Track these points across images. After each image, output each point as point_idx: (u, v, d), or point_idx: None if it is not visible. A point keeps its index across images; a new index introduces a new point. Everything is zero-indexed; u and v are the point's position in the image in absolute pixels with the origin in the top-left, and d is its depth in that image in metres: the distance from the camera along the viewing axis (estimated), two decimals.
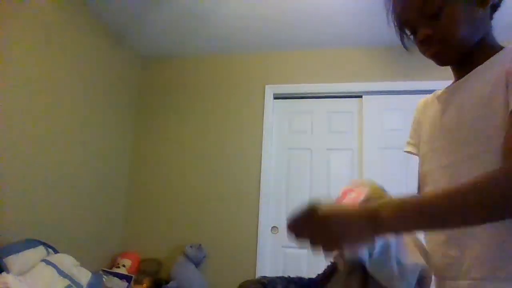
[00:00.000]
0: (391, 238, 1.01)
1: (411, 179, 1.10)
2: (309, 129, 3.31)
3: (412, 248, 1.05)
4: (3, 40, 2.18)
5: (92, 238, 2.94)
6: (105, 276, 2.73)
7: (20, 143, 2.29)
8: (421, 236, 1.02)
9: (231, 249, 3.11)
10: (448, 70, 0.94)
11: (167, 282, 2.89)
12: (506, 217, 0.64)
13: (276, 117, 3.38)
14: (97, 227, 3.00)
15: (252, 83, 3.41)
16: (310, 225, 0.71)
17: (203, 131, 3.41)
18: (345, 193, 0.99)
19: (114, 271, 2.89)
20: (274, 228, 3.15)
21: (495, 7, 0.85)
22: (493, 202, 0.62)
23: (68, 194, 2.68)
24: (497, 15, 0.87)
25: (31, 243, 2.14)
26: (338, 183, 2.92)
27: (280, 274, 2.54)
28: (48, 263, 2.07)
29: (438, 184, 0.85)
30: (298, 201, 0.98)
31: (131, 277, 2.85)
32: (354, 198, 0.94)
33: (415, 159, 1.00)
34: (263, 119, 3.30)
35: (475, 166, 0.77)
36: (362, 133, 3.17)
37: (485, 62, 0.82)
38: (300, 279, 2.05)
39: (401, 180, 2.54)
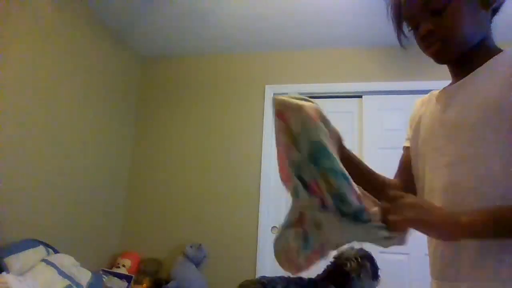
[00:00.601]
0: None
1: None
2: None
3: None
4: (3, 40, 2.18)
5: (92, 238, 2.94)
6: (105, 276, 2.73)
7: (20, 143, 2.29)
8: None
9: (231, 249, 3.11)
10: (448, 70, 0.94)
11: (167, 282, 2.89)
12: None
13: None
14: (97, 227, 3.00)
15: (252, 83, 3.41)
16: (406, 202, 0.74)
17: (203, 131, 3.41)
18: (281, 113, 0.81)
19: (114, 271, 2.90)
20: (274, 228, 3.15)
21: (495, 11, 0.86)
22: None
23: (68, 194, 2.68)
24: (497, 15, 0.88)
25: (31, 243, 2.14)
26: None
27: (280, 274, 2.54)
28: (48, 263, 2.07)
29: (437, 183, 0.85)
30: None
31: (131, 277, 2.85)
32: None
33: None
34: (263, 119, 3.30)
35: (476, 166, 0.77)
36: (362, 133, 3.16)
37: (485, 64, 0.82)
38: (300, 279, 2.04)
39: None
